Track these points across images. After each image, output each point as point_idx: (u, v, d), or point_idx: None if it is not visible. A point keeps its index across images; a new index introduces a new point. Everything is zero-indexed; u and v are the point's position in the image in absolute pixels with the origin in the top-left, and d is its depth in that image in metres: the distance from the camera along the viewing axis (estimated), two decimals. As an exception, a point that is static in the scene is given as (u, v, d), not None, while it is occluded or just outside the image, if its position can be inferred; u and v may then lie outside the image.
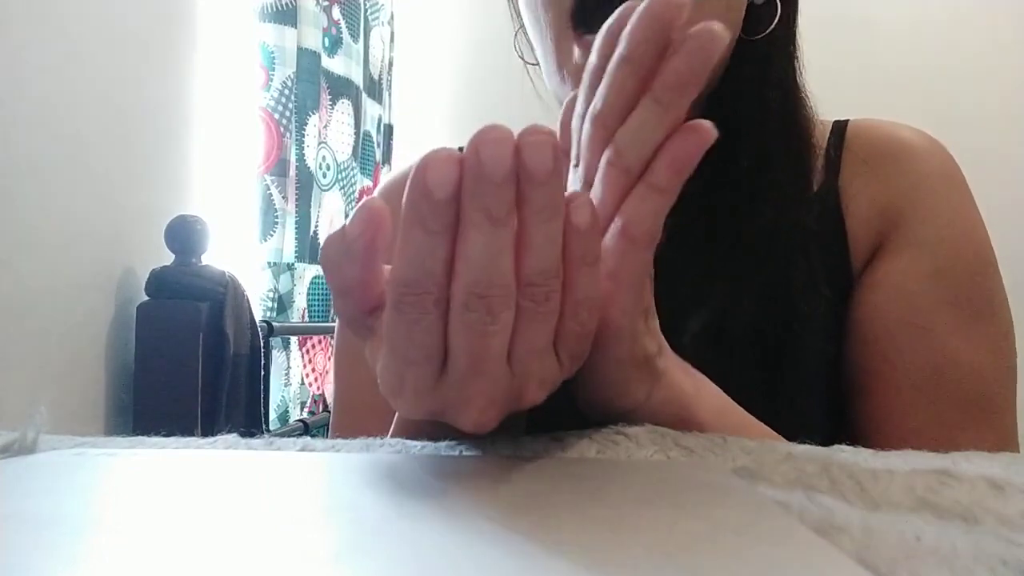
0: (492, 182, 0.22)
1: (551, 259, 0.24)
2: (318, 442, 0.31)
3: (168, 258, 1.14)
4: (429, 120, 2.13)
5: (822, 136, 0.54)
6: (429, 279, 0.23)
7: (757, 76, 0.52)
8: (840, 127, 0.54)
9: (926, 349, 0.46)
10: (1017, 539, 0.17)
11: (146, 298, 1.12)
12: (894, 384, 0.46)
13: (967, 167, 0.52)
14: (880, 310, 0.48)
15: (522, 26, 0.55)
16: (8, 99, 0.95)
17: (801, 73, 0.54)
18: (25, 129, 0.98)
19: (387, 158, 2.00)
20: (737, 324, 0.37)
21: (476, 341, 0.24)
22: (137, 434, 0.33)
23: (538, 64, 0.56)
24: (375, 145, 1.91)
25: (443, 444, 0.30)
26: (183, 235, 1.13)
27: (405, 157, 2.03)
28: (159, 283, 1.11)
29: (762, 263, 0.48)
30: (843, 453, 0.28)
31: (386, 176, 1.93)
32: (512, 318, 0.24)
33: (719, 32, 0.26)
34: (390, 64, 2.02)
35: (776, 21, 0.51)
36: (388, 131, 2.01)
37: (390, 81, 2.02)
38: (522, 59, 0.59)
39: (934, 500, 0.21)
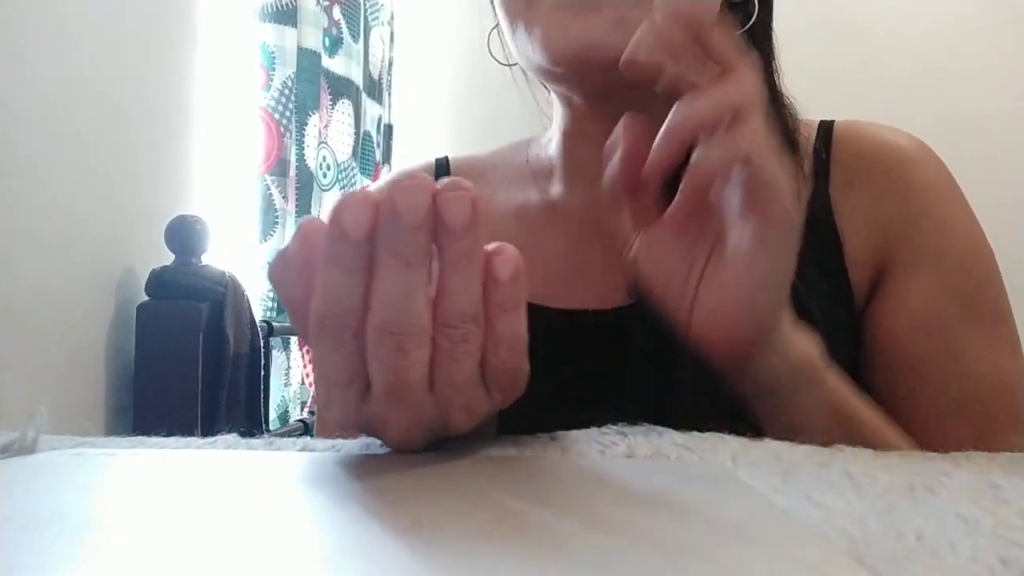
0: (405, 227, 0.23)
1: (468, 303, 0.25)
2: (318, 442, 0.31)
3: (168, 258, 1.14)
4: (429, 120, 2.13)
5: (807, 136, 0.53)
6: (346, 313, 0.25)
7: None
8: (826, 128, 0.53)
9: (957, 370, 0.46)
10: (1016, 539, 0.17)
11: (146, 298, 1.12)
12: (930, 407, 0.46)
13: (968, 168, 0.51)
14: (903, 336, 0.47)
15: (498, 24, 0.54)
16: (8, 99, 0.95)
17: (780, 75, 0.53)
18: (25, 129, 0.98)
19: (387, 158, 2.00)
20: None
21: (389, 374, 0.25)
22: (137, 434, 0.33)
23: (509, 65, 0.55)
24: (375, 145, 1.91)
25: (442, 446, 0.30)
26: (183, 235, 1.13)
27: (405, 157, 2.03)
28: (159, 283, 1.11)
29: None
30: (843, 453, 0.28)
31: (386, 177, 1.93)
32: (427, 355, 0.25)
33: None
34: (390, 64, 2.02)
35: (753, 20, 0.51)
36: (388, 131, 2.01)
37: (390, 81, 2.02)
38: (495, 59, 0.59)
39: (934, 500, 0.21)
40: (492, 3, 0.54)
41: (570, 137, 0.55)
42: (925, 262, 0.48)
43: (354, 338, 0.25)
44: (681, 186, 0.32)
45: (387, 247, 0.24)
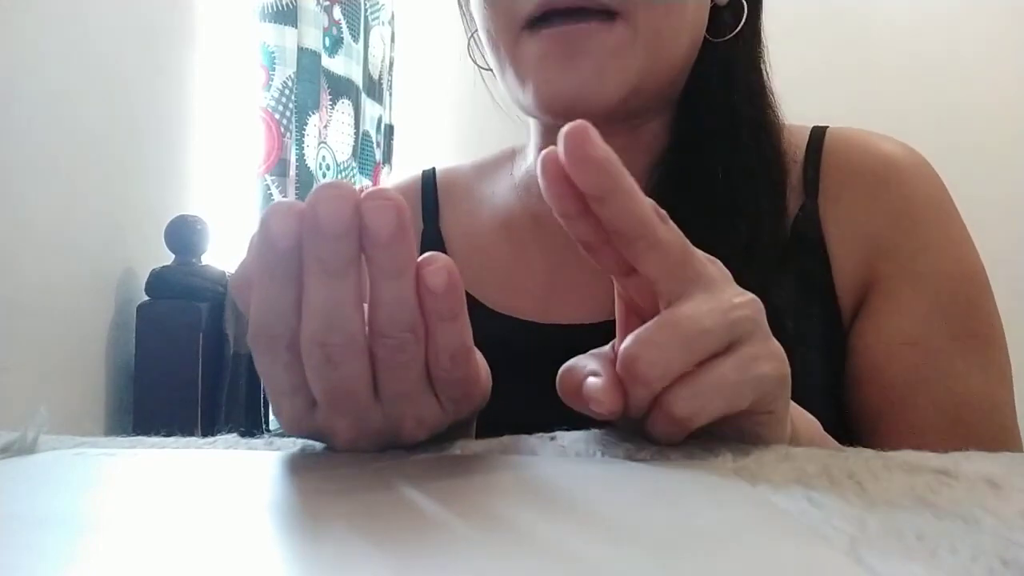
0: (327, 236, 0.23)
1: (401, 313, 0.24)
2: (318, 442, 0.31)
3: (168, 258, 1.14)
4: (430, 120, 2.13)
5: (797, 145, 0.51)
6: (280, 323, 0.24)
7: (724, 80, 0.50)
8: (818, 136, 0.52)
9: (944, 391, 0.45)
10: (1016, 539, 0.17)
11: (146, 298, 1.12)
12: (914, 425, 0.45)
13: (966, 164, 0.51)
14: (888, 353, 0.46)
15: (476, 32, 0.54)
16: (8, 99, 0.95)
17: (768, 76, 0.53)
18: (25, 129, 0.98)
19: (387, 158, 2.00)
20: None
21: (325, 384, 0.25)
22: (137, 434, 0.33)
23: (488, 69, 0.55)
24: (375, 145, 1.91)
25: (441, 446, 0.30)
26: (183, 235, 1.13)
27: (405, 157, 2.03)
28: (159, 283, 1.11)
29: (740, 281, 0.45)
30: (844, 453, 0.28)
31: (387, 177, 1.93)
32: (362, 365, 0.25)
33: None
34: (391, 64, 2.02)
35: (742, 23, 0.50)
36: (388, 131, 2.01)
37: (390, 81, 2.02)
38: (475, 63, 0.59)
39: (934, 500, 0.21)
40: (463, 13, 0.54)
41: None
42: (913, 279, 0.47)
43: (288, 349, 0.25)
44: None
45: (312, 257, 0.24)
